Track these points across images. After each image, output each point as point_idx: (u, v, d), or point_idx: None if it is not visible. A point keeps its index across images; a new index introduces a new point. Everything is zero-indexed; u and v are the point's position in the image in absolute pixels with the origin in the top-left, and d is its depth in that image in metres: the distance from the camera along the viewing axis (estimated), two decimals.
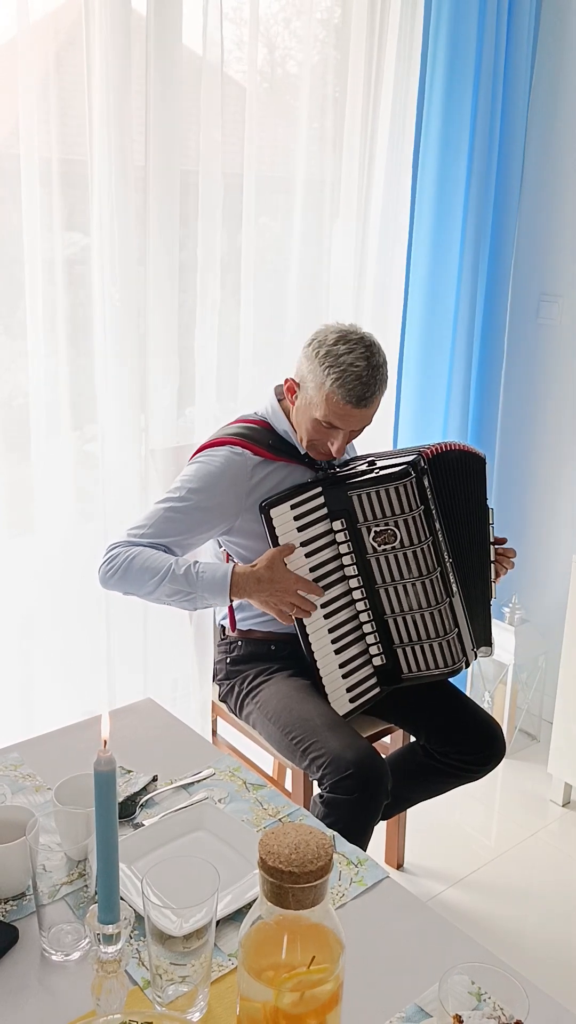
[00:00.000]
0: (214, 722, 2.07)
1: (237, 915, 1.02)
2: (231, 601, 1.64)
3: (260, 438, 1.75)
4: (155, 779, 1.26)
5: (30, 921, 1.01)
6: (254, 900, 1.02)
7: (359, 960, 0.96)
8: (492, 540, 1.85)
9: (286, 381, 1.75)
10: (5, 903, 1.03)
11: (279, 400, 1.79)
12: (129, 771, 1.27)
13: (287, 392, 1.75)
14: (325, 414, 1.65)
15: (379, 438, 2.52)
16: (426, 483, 1.66)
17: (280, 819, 1.20)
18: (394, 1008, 0.90)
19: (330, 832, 1.15)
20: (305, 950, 0.74)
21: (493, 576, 1.86)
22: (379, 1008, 0.91)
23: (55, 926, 0.98)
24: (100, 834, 0.79)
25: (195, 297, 2.16)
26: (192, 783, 1.26)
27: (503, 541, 1.88)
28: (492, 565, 1.86)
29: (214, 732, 2.07)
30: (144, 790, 1.23)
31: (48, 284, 1.91)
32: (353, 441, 1.98)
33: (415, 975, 0.95)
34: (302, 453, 1.76)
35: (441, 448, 1.72)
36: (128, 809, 1.19)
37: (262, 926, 0.75)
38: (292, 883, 0.72)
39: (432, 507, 1.67)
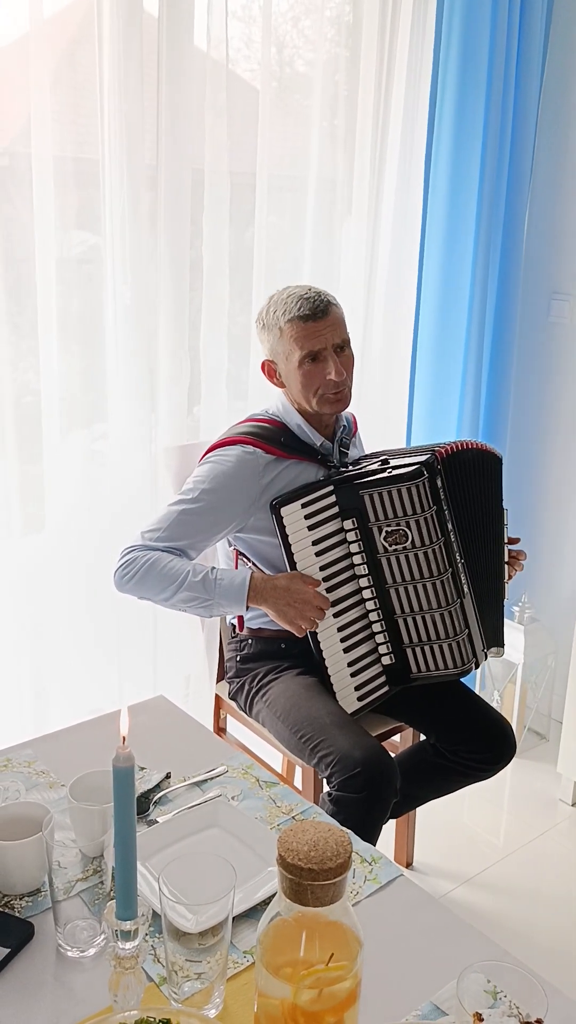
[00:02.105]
0: (223, 720, 2.07)
1: (252, 912, 1.02)
2: (247, 608, 1.64)
3: (272, 436, 1.75)
4: (168, 776, 1.26)
5: (45, 917, 1.01)
6: (269, 898, 1.03)
7: (374, 958, 0.96)
8: (506, 541, 1.85)
9: (262, 366, 1.77)
10: (21, 899, 1.04)
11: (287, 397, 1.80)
12: (142, 768, 1.27)
13: (268, 377, 1.78)
14: (300, 347, 1.67)
15: (392, 436, 2.52)
16: (439, 483, 1.66)
17: (294, 817, 1.20)
18: (410, 1006, 0.91)
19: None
20: (323, 947, 0.74)
21: (507, 557, 1.86)
22: (395, 1006, 0.91)
23: (71, 922, 0.98)
24: (118, 830, 0.79)
25: (205, 296, 2.16)
26: (205, 780, 1.26)
27: (516, 540, 1.88)
28: (507, 566, 1.85)
29: (223, 730, 2.08)
30: (158, 787, 1.23)
31: (59, 283, 1.91)
32: (365, 443, 1.99)
33: (430, 973, 0.95)
34: (318, 445, 1.76)
35: (456, 447, 1.72)
36: (142, 806, 1.19)
37: (280, 923, 0.75)
38: (311, 880, 0.72)
39: (445, 508, 1.67)
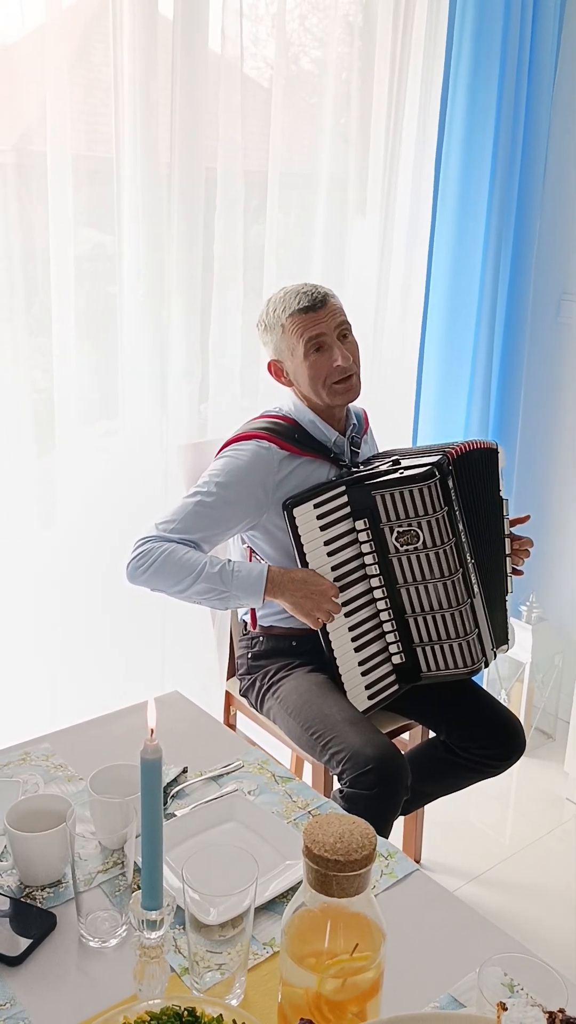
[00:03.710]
0: (233, 716, 2.08)
1: (270, 905, 1.03)
2: (263, 602, 1.65)
3: (286, 432, 1.76)
4: (185, 770, 1.27)
5: (67, 908, 1.03)
6: (286, 891, 1.04)
7: (391, 950, 0.97)
8: (508, 533, 1.85)
9: (268, 367, 1.79)
10: (42, 890, 1.05)
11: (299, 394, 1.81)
12: None
13: (276, 377, 1.80)
14: (303, 338, 1.70)
15: (399, 435, 2.53)
16: (450, 484, 1.66)
17: (310, 812, 1.21)
18: (427, 998, 0.92)
19: None
20: (347, 938, 0.76)
21: (509, 570, 1.87)
22: (412, 998, 0.92)
23: (92, 913, 1.00)
24: (145, 821, 0.80)
25: (218, 294, 2.17)
26: (221, 775, 1.28)
27: (525, 519, 1.88)
28: (508, 559, 1.86)
29: (233, 726, 2.09)
30: (175, 781, 1.25)
31: (71, 280, 1.92)
32: (376, 439, 2.01)
33: (447, 966, 0.96)
34: (332, 441, 1.77)
35: (466, 447, 1.73)
36: None
37: (305, 913, 0.77)
38: (337, 871, 0.73)
39: (456, 508, 1.68)
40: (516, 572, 1.88)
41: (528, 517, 1.90)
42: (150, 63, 1.89)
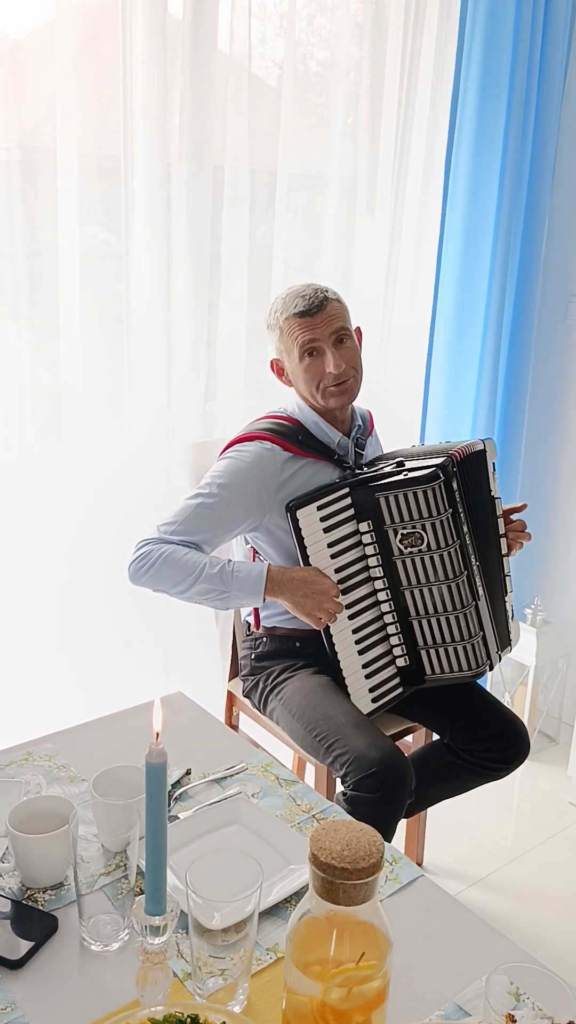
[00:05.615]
0: (236, 717, 2.07)
1: (273, 910, 1.02)
2: (264, 601, 1.65)
3: (290, 433, 1.76)
4: (188, 772, 1.26)
5: (68, 911, 1.02)
6: (290, 896, 1.03)
7: (396, 957, 0.96)
8: (503, 532, 1.84)
9: (271, 366, 1.80)
10: (44, 892, 1.04)
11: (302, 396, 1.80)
12: None
13: (277, 376, 1.80)
14: (297, 342, 1.70)
15: (406, 436, 2.52)
16: (455, 486, 1.66)
17: (314, 815, 1.20)
18: (433, 1007, 0.91)
19: None
20: (353, 946, 0.75)
21: (507, 570, 1.86)
22: (418, 1006, 0.91)
23: (94, 916, 0.99)
24: (149, 826, 0.80)
25: (224, 293, 2.16)
26: (225, 777, 1.27)
27: (522, 508, 1.86)
28: (505, 559, 1.85)
29: (236, 727, 2.08)
30: (178, 783, 1.24)
31: (77, 278, 1.92)
32: (382, 440, 2.00)
33: (452, 974, 0.95)
34: (335, 442, 1.77)
35: (468, 449, 1.72)
36: None
37: (311, 920, 0.76)
38: (344, 879, 0.72)
39: (460, 510, 1.67)
40: (508, 554, 1.86)
41: (525, 506, 1.88)
42: (159, 61, 1.88)
